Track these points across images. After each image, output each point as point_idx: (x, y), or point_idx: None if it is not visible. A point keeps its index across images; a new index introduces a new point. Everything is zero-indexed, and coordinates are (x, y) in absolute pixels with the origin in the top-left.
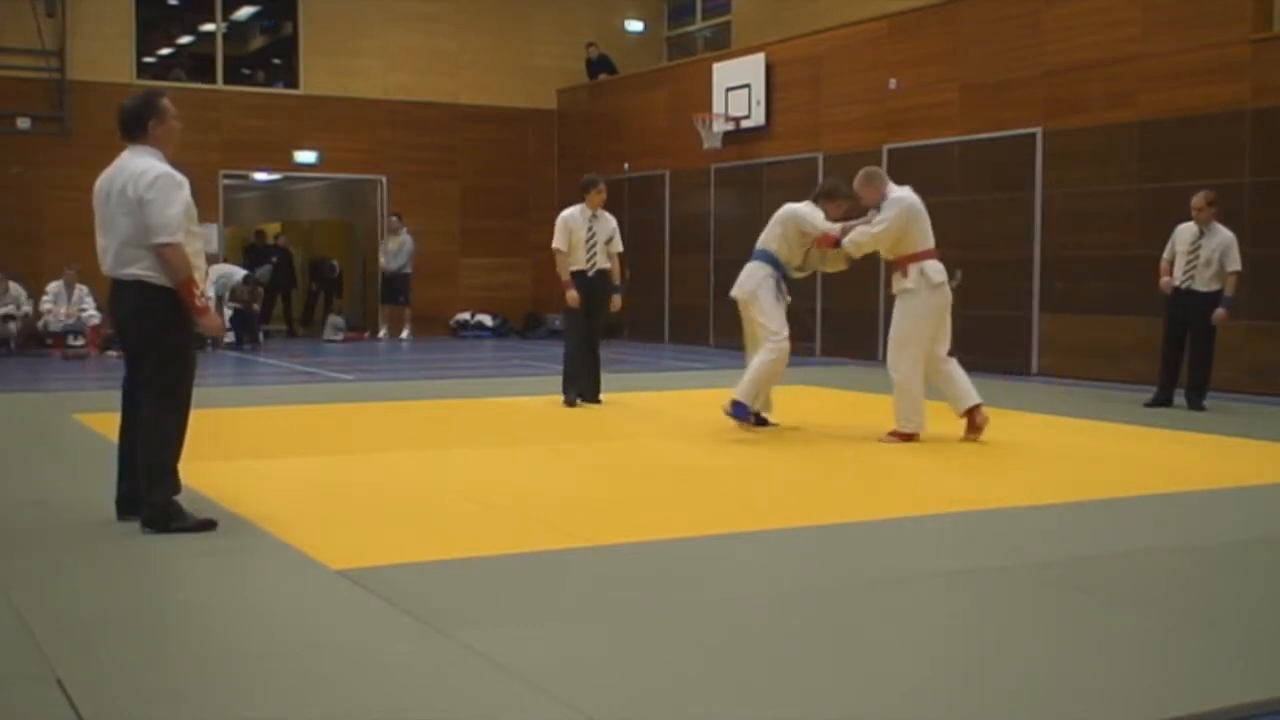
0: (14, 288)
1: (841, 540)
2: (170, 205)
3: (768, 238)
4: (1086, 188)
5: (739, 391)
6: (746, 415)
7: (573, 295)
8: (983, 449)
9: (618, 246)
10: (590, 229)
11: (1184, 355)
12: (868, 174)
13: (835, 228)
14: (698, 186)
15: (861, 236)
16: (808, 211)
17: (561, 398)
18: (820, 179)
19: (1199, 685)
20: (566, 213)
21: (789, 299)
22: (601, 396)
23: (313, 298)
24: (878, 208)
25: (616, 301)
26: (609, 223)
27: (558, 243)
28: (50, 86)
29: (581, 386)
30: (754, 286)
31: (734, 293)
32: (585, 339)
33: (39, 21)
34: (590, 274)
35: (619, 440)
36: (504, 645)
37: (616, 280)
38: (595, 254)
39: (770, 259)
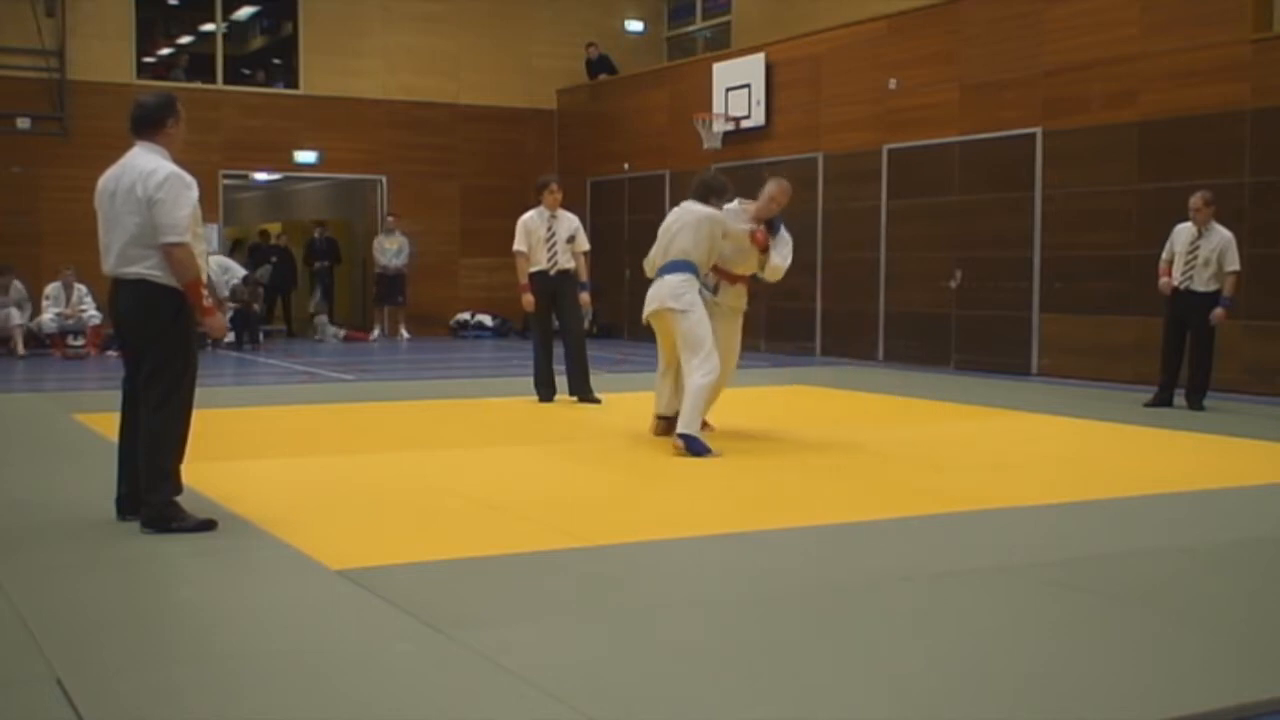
0: (17, 286)
1: (841, 540)
2: (180, 206)
3: (691, 247)
4: (1086, 188)
5: (685, 425)
6: (704, 448)
7: (528, 300)
8: (982, 449)
9: (583, 245)
10: (550, 229)
11: (1184, 355)
12: (789, 187)
13: (758, 228)
14: None
15: (782, 261)
16: (726, 215)
17: (536, 397)
18: (820, 179)
19: (1199, 685)
20: (525, 215)
21: None
22: (600, 396)
23: (318, 285)
24: (774, 221)
25: (585, 299)
26: (570, 222)
27: (518, 245)
28: (50, 86)
29: (575, 389)
30: (692, 301)
31: (671, 305)
32: (569, 341)
33: (39, 21)
34: (551, 273)
35: (619, 440)
36: (504, 645)
37: (583, 278)
38: (556, 253)
39: (694, 270)
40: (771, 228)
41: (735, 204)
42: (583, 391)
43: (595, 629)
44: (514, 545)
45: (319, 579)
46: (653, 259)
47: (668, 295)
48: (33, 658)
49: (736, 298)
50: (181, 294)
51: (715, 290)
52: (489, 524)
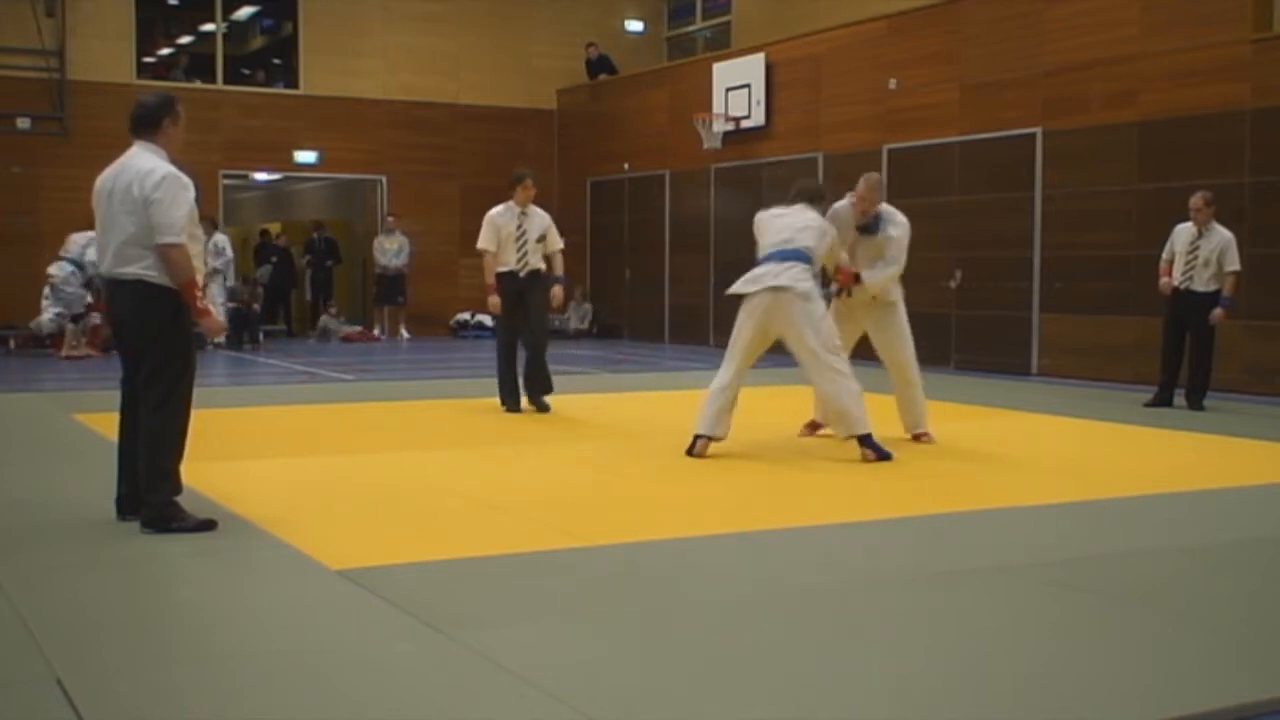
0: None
1: (840, 540)
2: (177, 206)
3: (814, 248)
4: (1086, 188)
5: (864, 427)
6: (886, 452)
7: (494, 301)
8: (982, 449)
9: (556, 244)
10: (520, 226)
11: (1183, 355)
12: (879, 181)
13: (846, 259)
14: (698, 186)
15: (887, 277)
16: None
17: (501, 407)
18: (821, 179)
19: (1199, 685)
20: (494, 210)
21: None
22: (550, 400)
23: (316, 290)
24: (874, 220)
25: (558, 294)
26: (541, 219)
27: (484, 242)
28: (50, 86)
29: (529, 391)
30: (814, 290)
31: (793, 287)
32: (530, 342)
33: (39, 21)
34: (521, 274)
35: (620, 441)
36: (504, 645)
37: (558, 272)
38: (526, 252)
39: (811, 265)
40: (869, 229)
41: (845, 201)
42: (538, 399)
43: (595, 629)
44: (514, 545)
45: (319, 579)
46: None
47: (787, 277)
48: (33, 658)
49: (861, 292)
50: (179, 294)
51: (850, 292)
52: (489, 524)
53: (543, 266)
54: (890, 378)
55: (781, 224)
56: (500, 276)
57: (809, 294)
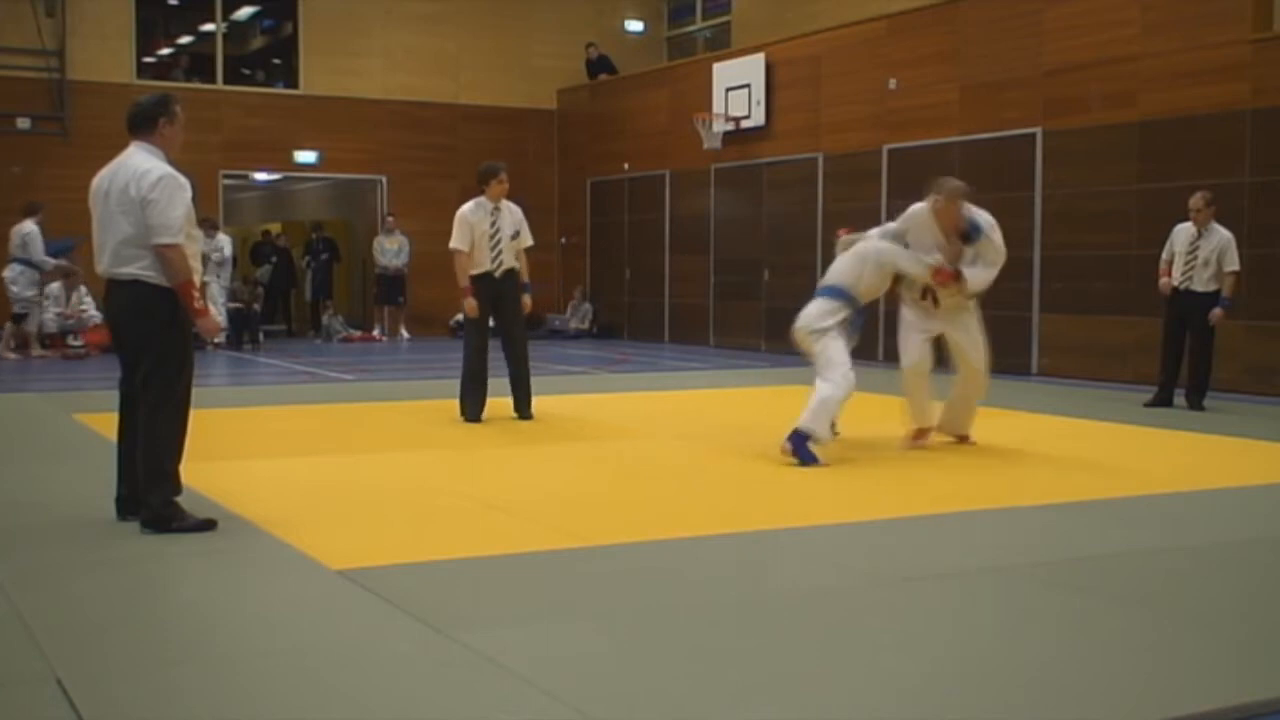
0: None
1: (840, 540)
2: (174, 206)
3: (850, 279)
4: (1086, 188)
5: (804, 423)
6: (811, 457)
7: (471, 304)
8: (983, 449)
9: (526, 241)
10: (493, 223)
11: (1183, 355)
12: (959, 190)
13: (941, 266)
14: (698, 186)
15: (989, 277)
16: (898, 252)
17: (460, 415)
18: (820, 179)
19: (1199, 685)
20: (465, 207)
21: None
22: (533, 410)
23: (316, 291)
24: (971, 229)
25: (527, 303)
26: (514, 214)
27: (456, 242)
28: (50, 86)
29: (516, 402)
30: (826, 328)
31: (810, 326)
32: (512, 351)
33: (39, 21)
34: (496, 274)
35: (619, 441)
36: (504, 645)
37: (524, 278)
38: (500, 251)
39: (847, 299)
40: (967, 237)
41: (925, 205)
42: (524, 409)
43: (595, 629)
44: (514, 545)
45: (319, 579)
46: None
47: (805, 317)
48: (33, 658)
49: (948, 296)
50: (177, 294)
51: (936, 302)
52: (489, 524)
53: (518, 266)
54: (958, 379)
55: (839, 260)
56: (474, 279)
57: (815, 328)
